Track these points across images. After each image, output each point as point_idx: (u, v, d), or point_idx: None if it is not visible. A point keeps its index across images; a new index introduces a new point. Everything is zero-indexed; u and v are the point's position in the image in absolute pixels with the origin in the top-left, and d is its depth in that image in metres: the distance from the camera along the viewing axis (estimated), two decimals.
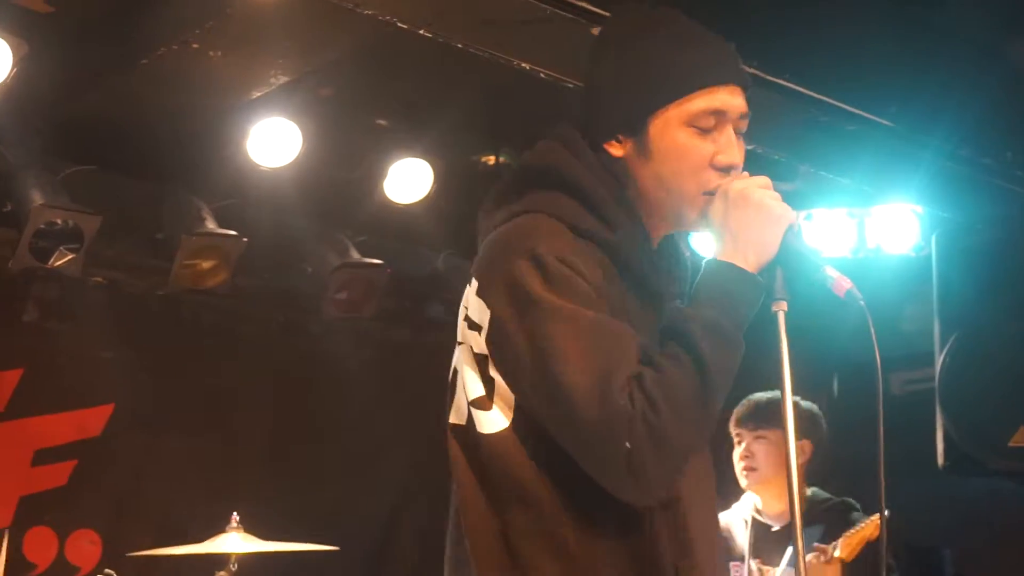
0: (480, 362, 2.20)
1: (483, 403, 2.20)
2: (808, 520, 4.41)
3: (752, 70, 3.84)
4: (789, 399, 2.17)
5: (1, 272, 5.20)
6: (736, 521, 4.52)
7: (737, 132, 2.28)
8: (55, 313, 5.58)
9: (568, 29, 3.90)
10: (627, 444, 2.02)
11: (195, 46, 4.51)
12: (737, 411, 4.48)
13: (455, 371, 2.30)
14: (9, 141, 5.07)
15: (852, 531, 4.35)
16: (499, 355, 2.17)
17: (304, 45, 4.61)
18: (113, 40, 4.63)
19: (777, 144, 4.61)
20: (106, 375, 5.68)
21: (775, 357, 2.17)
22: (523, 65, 4.15)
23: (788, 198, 2.25)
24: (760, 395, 4.42)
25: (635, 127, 2.27)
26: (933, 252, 5.23)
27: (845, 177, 5.03)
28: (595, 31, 3.86)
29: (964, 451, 4.98)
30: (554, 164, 2.31)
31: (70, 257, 5.15)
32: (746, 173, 2.27)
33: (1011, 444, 4.85)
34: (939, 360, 5.06)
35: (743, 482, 4.49)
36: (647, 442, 2.02)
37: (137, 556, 4.57)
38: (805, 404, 4.51)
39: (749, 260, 2.17)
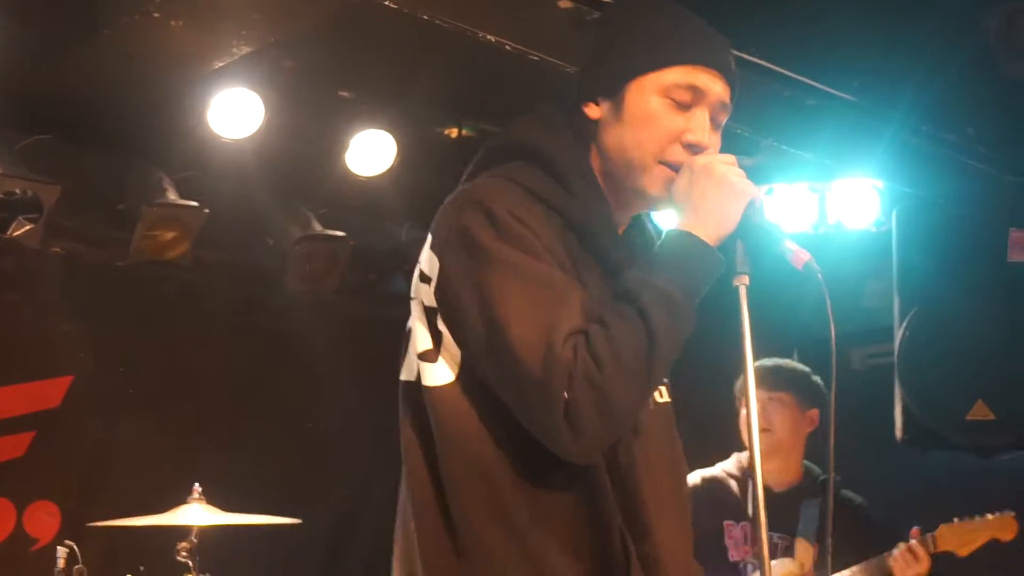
0: (429, 314, 2.22)
1: (430, 356, 2.21)
2: (809, 494, 4.42)
3: None
4: (751, 371, 2.18)
5: None
6: (723, 479, 4.45)
7: (715, 122, 2.33)
8: (13, 284, 5.53)
9: (534, 2, 3.89)
10: (565, 395, 2.03)
11: (156, 15, 4.46)
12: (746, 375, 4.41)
13: (408, 328, 2.31)
14: None
15: (962, 522, 4.28)
16: (446, 306, 2.19)
17: (268, 16, 4.57)
18: (73, 9, 4.58)
19: (739, 118, 4.55)
20: (65, 347, 5.64)
21: (736, 330, 2.19)
22: (488, 38, 4.13)
23: (750, 173, 2.27)
24: (768, 360, 4.43)
25: (613, 90, 2.31)
26: (894, 227, 5.26)
27: (807, 151, 5.04)
28: (561, 3, 3.85)
29: (923, 425, 5.03)
30: (523, 136, 2.35)
31: (29, 227, 5.10)
32: (713, 149, 2.29)
33: (969, 418, 4.89)
34: (898, 335, 5.10)
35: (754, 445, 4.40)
36: (587, 396, 2.04)
37: (97, 527, 4.56)
38: (813, 375, 4.50)
39: (710, 232, 2.20)
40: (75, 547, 4.39)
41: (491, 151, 2.39)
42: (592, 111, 2.34)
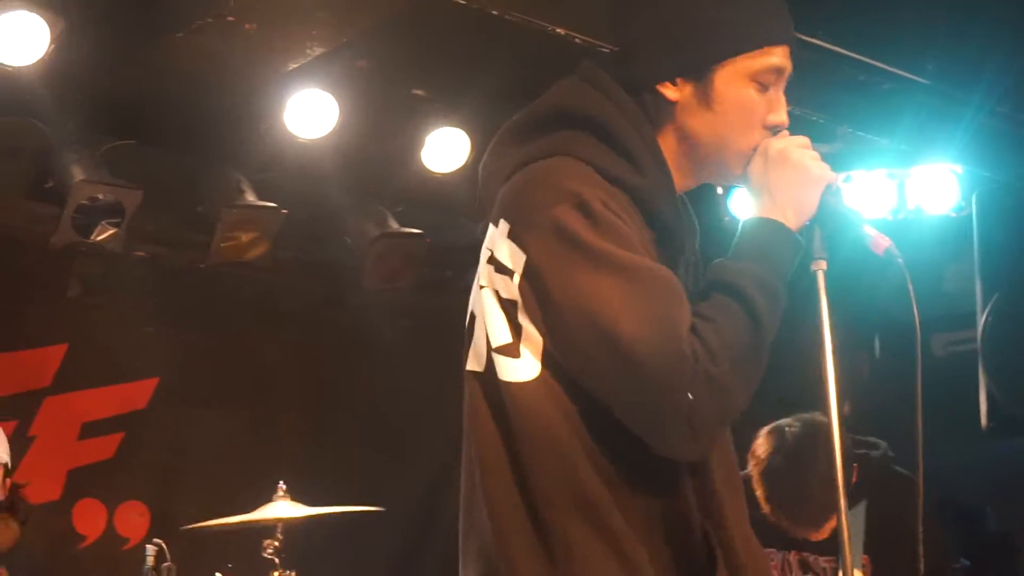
0: (508, 308, 2.11)
1: (510, 350, 2.10)
2: (850, 500, 4.12)
3: None
4: (830, 357, 2.16)
5: (44, 248, 5.25)
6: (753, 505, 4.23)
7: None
8: (98, 288, 5.63)
9: None
10: (689, 395, 1.95)
11: (230, 19, 4.52)
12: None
13: (472, 316, 2.21)
14: (48, 118, 5.11)
15: None
16: (539, 302, 2.07)
17: (338, 15, 4.61)
18: (149, 14, 4.64)
19: (814, 105, 4.59)
20: (150, 349, 5.73)
21: (815, 317, 2.17)
22: (558, 31, 4.14)
23: (827, 160, 2.25)
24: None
25: (700, 72, 2.19)
26: (974, 212, 5.19)
27: (884, 137, 4.99)
28: None
29: (1007, 412, 4.96)
30: (580, 103, 2.22)
31: (112, 232, 5.19)
32: (786, 132, 2.25)
33: None
34: (981, 321, 5.04)
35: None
36: (708, 393, 1.97)
37: (185, 529, 4.62)
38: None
39: (788, 219, 2.15)
40: (164, 546, 4.45)
41: (543, 117, 2.25)
42: (670, 91, 2.20)
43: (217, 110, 5.24)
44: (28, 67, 4.56)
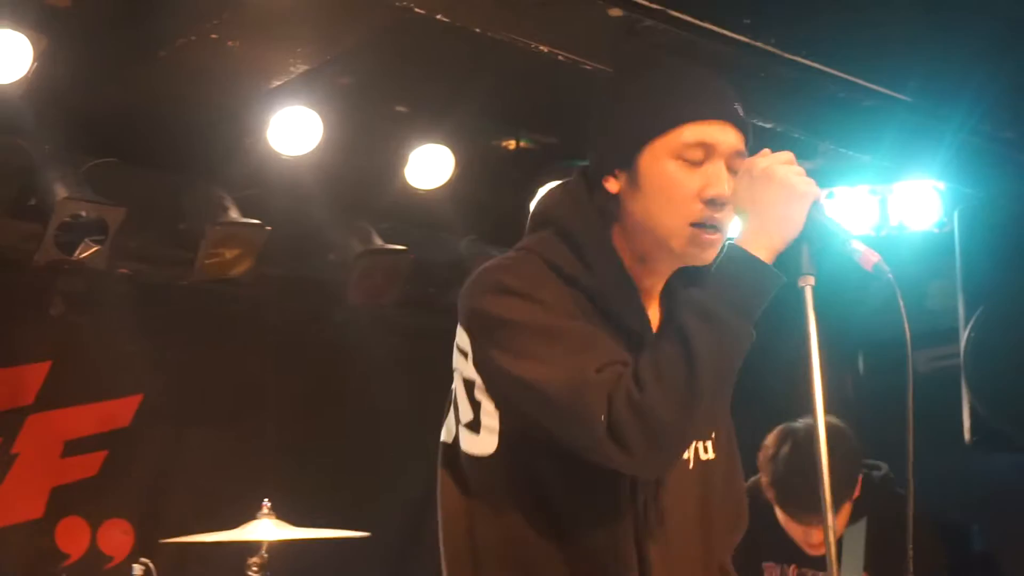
0: (468, 387, 2.31)
1: (472, 426, 2.32)
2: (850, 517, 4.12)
3: (769, 47, 3.86)
4: (817, 373, 2.17)
5: (27, 266, 5.23)
6: (764, 506, 4.09)
7: (731, 170, 2.29)
8: (81, 305, 5.61)
9: (584, 10, 3.91)
10: (602, 416, 2.10)
11: (213, 36, 4.52)
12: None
13: (452, 391, 2.40)
14: (31, 135, 5.10)
15: None
16: (484, 377, 2.28)
17: (322, 33, 4.62)
18: (132, 32, 4.65)
19: (796, 122, 4.60)
20: (134, 366, 5.70)
21: (802, 333, 2.18)
22: (541, 48, 4.15)
23: (810, 176, 2.25)
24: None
25: (628, 161, 2.32)
26: (956, 228, 5.21)
27: (866, 154, 5.01)
28: (612, 12, 3.86)
29: (991, 426, 4.97)
30: (550, 207, 2.41)
31: (95, 249, 5.18)
32: (768, 150, 2.27)
33: None
34: (964, 336, 5.05)
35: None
36: (628, 413, 2.09)
37: (169, 544, 4.61)
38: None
39: (775, 237, 2.19)
40: (150, 564, 4.43)
41: (532, 218, 2.45)
42: (611, 185, 2.34)
43: (201, 127, 5.24)
44: (10, 85, 4.56)
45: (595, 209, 2.36)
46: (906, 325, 2.19)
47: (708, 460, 2.40)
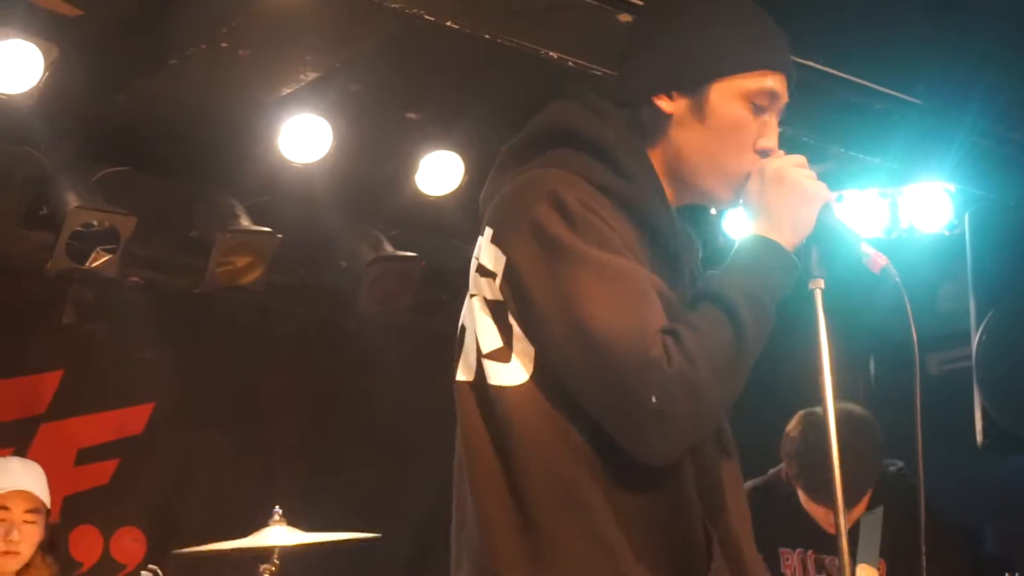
0: (496, 309, 2.13)
1: (501, 355, 2.12)
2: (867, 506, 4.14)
3: None
4: (828, 375, 2.17)
5: (39, 275, 5.25)
6: (777, 492, 4.16)
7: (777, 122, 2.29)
8: (93, 314, 5.62)
9: (595, 16, 3.91)
10: (654, 399, 1.96)
11: (224, 45, 4.53)
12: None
13: (463, 327, 2.24)
14: (43, 145, 5.12)
15: None
16: (519, 301, 2.10)
17: (332, 40, 4.63)
18: (142, 41, 4.66)
19: (806, 126, 4.60)
20: (145, 374, 5.72)
21: (811, 335, 2.18)
22: (551, 54, 4.15)
23: (820, 179, 2.26)
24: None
25: (696, 87, 2.23)
26: (967, 230, 5.19)
27: (876, 157, 5.01)
28: (622, 17, 3.86)
29: (1003, 429, 4.96)
30: (571, 121, 2.26)
31: (107, 258, 5.19)
32: (782, 152, 2.26)
33: None
34: (975, 339, 5.04)
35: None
36: (681, 396, 1.97)
37: (181, 553, 4.61)
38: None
39: (785, 238, 2.17)
40: (159, 571, 4.44)
41: (535, 138, 2.29)
42: (665, 104, 2.24)
43: (211, 135, 5.25)
44: (22, 95, 4.57)
45: (623, 121, 2.24)
46: (913, 329, 2.18)
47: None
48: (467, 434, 2.17)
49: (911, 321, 2.18)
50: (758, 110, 2.24)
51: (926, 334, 2.20)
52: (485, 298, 2.15)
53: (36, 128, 4.91)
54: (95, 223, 5.13)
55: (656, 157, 2.25)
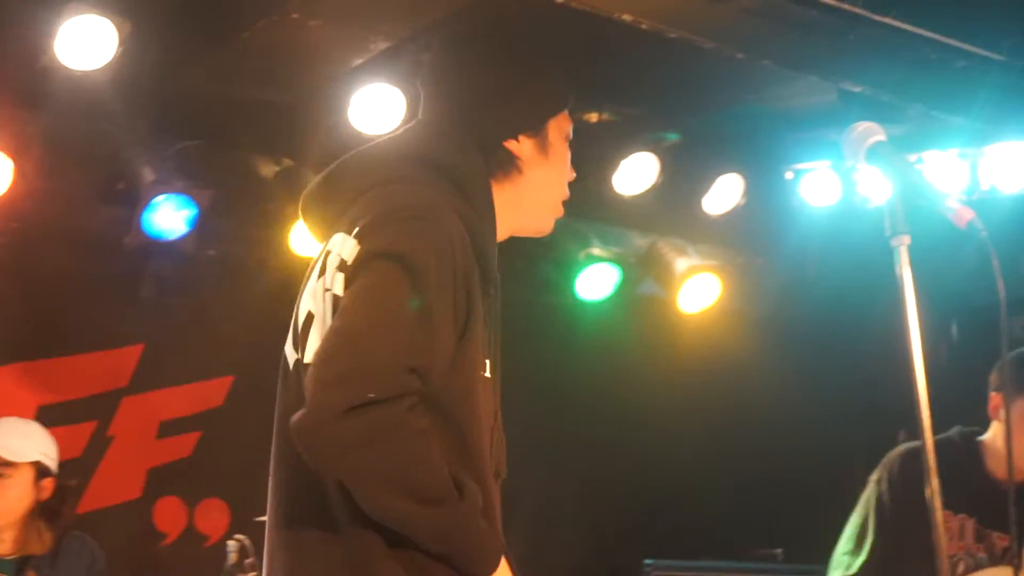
0: (335, 305, 2.30)
1: None
2: None
3: (858, 10, 3.78)
4: (916, 331, 2.11)
5: (118, 250, 5.30)
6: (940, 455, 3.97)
7: None
8: (172, 288, 5.67)
9: None
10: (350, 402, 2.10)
11: (295, 16, 4.54)
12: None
13: (309, 313, 2.48)
14: (118, 120, 5.15)
15: None
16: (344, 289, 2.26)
17: (403, 9, 4.62)
18: (214, 14, 4.67)
19: (886, 85, 4.51)
20: (225, 347, 5.76)
21: (893, 299, 2.13)
22: (624, 17, 4.11)
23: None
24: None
25: (537, 127, 2.49)
26: None
27: (958, 116, 4.91)
28: None
29: None
30: (442, 154, 2.42)
31: (184, 232, 5.23)
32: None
33: None
34: None
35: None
36: (362, 430, 2.12)
37: (263, 521, 4.64)
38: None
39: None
40: (246, 541, 4.47)
41: (414, 159, 2.43)
42: (514, 146, 2.46)
43: (284, 107, 5.26)
44: (97, 71, 4.60)
45: (482, 162, 2.43)
46: (1000, 285, 2.14)
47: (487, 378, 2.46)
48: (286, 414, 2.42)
49: (998, 276, 2.12)
50: (569, 146, 2.54)
51: (1010, 297, 2.15)
52: (335, 295, 2.33)
53: (111, 104, 4.93)
54: (171, 197, 5.17)
55: (498, 194, 2.44)
